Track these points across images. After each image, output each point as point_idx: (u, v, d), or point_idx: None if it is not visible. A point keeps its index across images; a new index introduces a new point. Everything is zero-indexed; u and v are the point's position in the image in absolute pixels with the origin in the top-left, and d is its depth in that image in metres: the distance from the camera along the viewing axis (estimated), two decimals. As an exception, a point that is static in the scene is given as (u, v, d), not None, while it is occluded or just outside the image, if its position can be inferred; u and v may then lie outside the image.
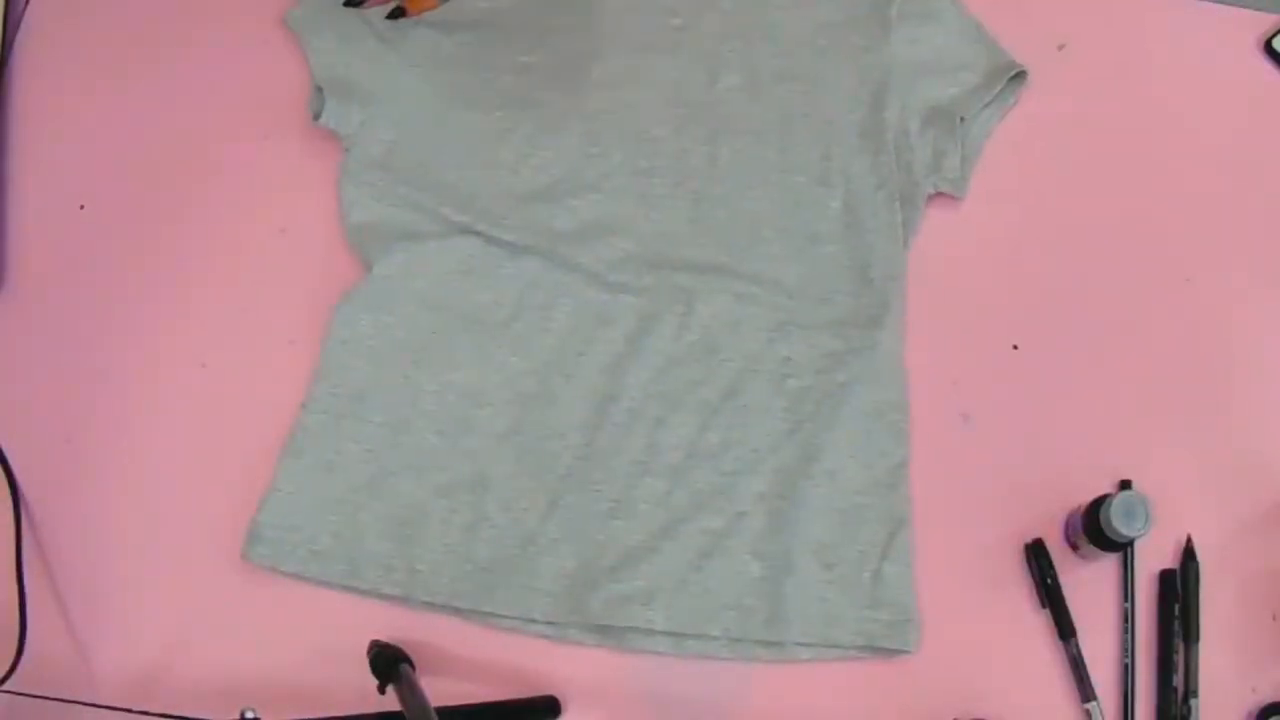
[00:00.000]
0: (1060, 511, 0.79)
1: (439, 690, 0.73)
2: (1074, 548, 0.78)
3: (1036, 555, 0.77)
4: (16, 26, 0.96)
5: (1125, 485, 0.78)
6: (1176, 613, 0.76)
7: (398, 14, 0.88)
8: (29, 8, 0.96)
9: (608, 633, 0.77)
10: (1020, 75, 0.85)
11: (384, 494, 0.80)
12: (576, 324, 0.82)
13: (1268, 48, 0.87)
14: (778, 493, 0.78)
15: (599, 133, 0.86)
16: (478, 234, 0.84)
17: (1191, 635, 0.76)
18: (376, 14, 0.88)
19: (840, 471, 0.78)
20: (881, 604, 0.76)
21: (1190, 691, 0.75)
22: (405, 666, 0.73)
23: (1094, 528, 0.74)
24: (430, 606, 0.78)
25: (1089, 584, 0.77)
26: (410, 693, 0.70)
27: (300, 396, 0.83)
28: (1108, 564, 0.78)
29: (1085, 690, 0.75)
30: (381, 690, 0.72)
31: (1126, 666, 0.76)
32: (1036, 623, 0.77)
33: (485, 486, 0.80)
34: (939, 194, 0.85)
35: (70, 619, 0.81)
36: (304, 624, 0.80)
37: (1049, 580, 0.77)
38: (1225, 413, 0.80)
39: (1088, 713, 0.75)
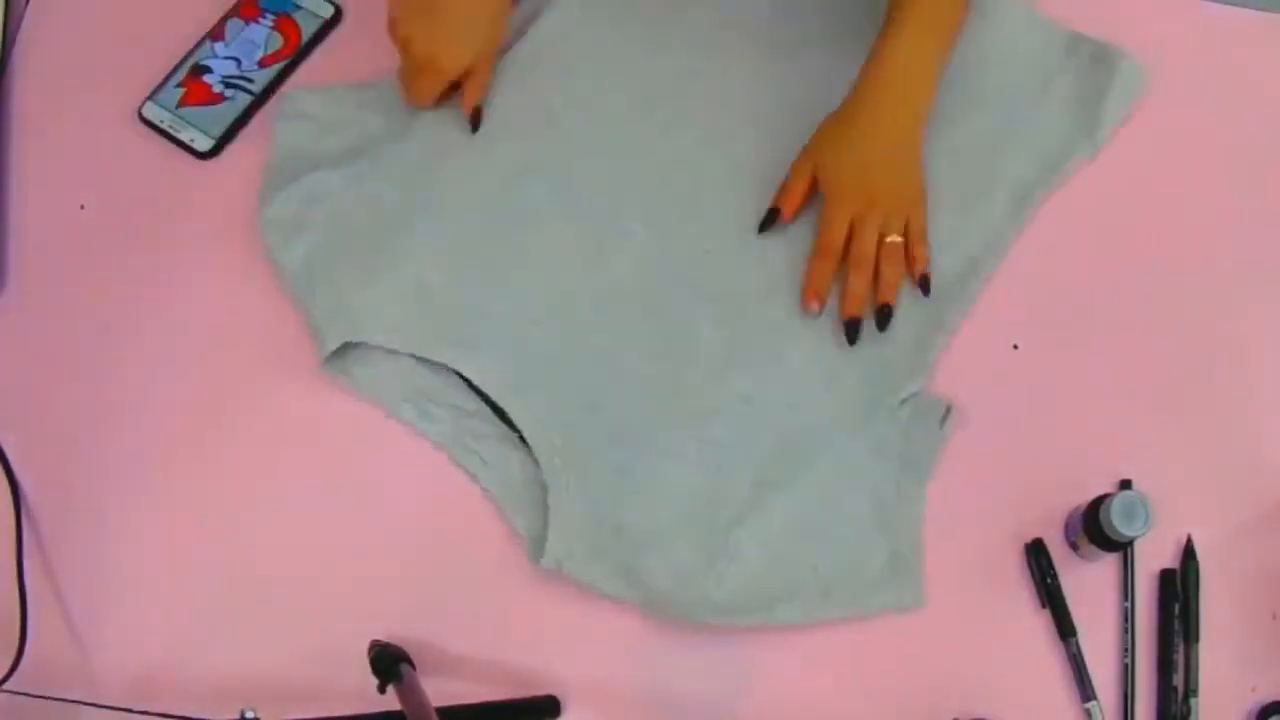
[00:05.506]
0: (1060, 511, 0.79)
1: (439, 690, 0.73)
2: (1074, 548, 0.78)
3: (1036, 555, 0.77)
4: (16, 26, 0.96)
5: (1125, 485, 0.78)
6: (1176, 612, 0.76)
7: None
8: (29, 8, 0.97)
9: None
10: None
11: None
12: None
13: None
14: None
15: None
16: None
17: (1191, 635, 0.76)
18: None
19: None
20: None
21: (1190, 691, 0.75)
22: (405, 666, 0.73)
23: (1094, 527, 0.74)
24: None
25: (1089, 584, 0.77)
26: (410, 693, 0.70)
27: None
28: (1108, 564, 0.78)
29: (1085, 690, 0.75)
30: (381, 690, 0.72)
31: (1126, 666, 0.76)
32: (1036, 623, 0.77)
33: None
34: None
35: (70, 619, 0.81)
36: (304, 624, 0.80)
37: (1049, 580, 0.77)
38: (1225, 413, 0.80)
39: (1088, 712, 0.75)
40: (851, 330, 0.81)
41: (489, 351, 0.82)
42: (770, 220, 0.84)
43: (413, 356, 0.83)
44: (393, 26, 0.84)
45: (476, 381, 0.81)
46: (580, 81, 0.89)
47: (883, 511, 0.78)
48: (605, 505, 0.78)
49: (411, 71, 0.85)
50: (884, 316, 0.81)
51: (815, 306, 0.82)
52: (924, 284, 0.82)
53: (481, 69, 0.87)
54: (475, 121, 0.87)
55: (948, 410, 0.80)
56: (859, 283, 0.81)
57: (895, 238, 0.82)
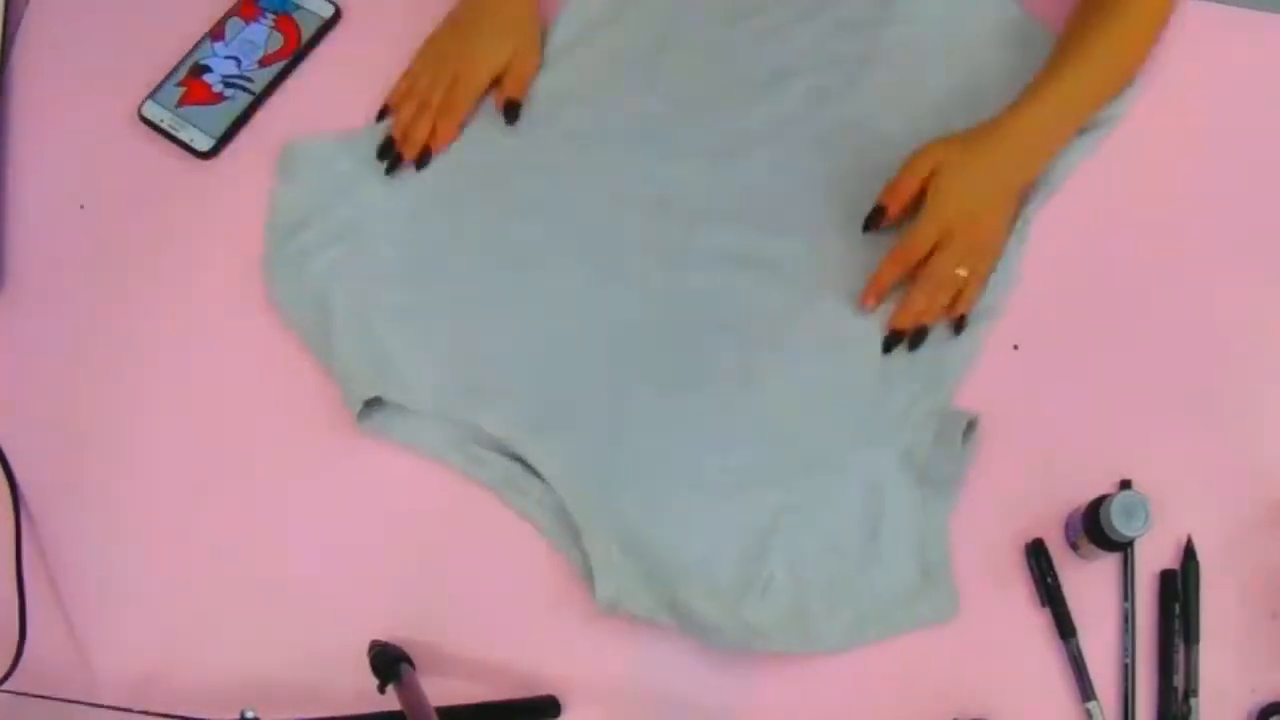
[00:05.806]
0: (1060, 511, 0.79)
1: (439, 690, 0.73)
2: (1074, 548, 0.78)
3: (1036, 555, 0.77)
4: (16, 26, 0.96)
5: (1125, 485, 0.78)
6: (1177, 613, 0.76)
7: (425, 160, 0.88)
8: (29, 8, 0.97)
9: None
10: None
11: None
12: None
13: None
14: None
15: None
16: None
17: (1191, 635, 0.76)
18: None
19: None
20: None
21: (1190, 691, 0.75)
22: (405, 666, 0.73)
23: (1094, 527, 0.74)
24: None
25: (1089, 584, 0.77)
26: (410, 693, 0.70)
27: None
28: (1108, 564, 0.78)
29: (1085, 690, 0.75)
30: (381, 690, 0.72)
31: (1126, 666, 0.76)
32: (1036, 623, 0.77)
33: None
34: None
35: (70, 619, 0.81)
36: (304, 624, 0.80)
37: (1049, 580, 0.77)
38: (1225, 413, 0.80)
39: (1088, 712, 0.75)
40: (893, 341, 0.80)
41: (505, 398, 0.81)
42: (875, 219, 0.82)
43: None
44: (418, 75, 0.89)
45: (492, 431, 0.81)
46: (569, 113, 0.89)
47: (911, 528, 0.78)
48: (640, 540, 0.78)
49: (444, 94, 0.88)
50: (920, 337, 0.81)
51: (871, 304, 0.81)
52: (958, 325, 0.81)
53: (517, 67, 0.88)
54: (511, 115, 0.89)
55: (971, 422, 0.79)
56: (922, 299, 0.80)
57: (965, 272, 0.80)
